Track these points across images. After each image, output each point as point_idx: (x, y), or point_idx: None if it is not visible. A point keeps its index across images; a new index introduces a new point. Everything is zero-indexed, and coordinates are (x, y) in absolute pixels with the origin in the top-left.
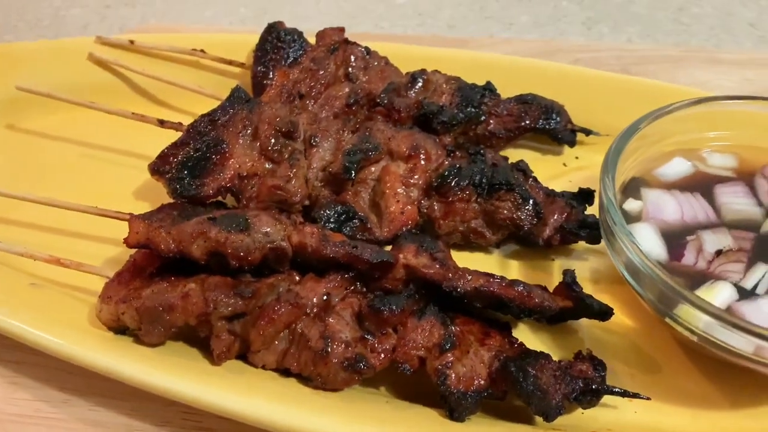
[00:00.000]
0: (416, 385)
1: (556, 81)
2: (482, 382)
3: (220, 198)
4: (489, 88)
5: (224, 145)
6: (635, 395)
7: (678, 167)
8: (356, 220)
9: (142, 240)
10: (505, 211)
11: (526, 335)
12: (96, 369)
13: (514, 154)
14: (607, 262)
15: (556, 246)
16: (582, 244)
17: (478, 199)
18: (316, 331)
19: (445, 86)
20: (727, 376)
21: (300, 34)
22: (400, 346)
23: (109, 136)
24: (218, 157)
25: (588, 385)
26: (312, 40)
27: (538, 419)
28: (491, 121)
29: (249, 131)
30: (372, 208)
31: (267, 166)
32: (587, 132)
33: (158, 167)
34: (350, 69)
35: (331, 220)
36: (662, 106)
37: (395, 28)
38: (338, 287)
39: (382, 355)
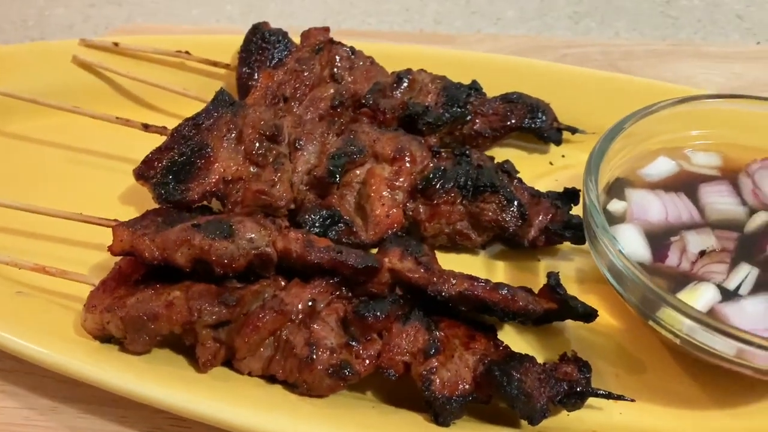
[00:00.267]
0: (403, 389)
1: (542, 79)
2: (467, 386)
3: (205, 202)
4: (475, 87)
5: (209, 150)
6: (619, 397)
7: (662, 167)
8: (341, 224)
9: (126, 248)
10: (490, 213)
11: (512, 337)
12: (82, 379)
13: (500, 153)
14: (593, 262)
15: (542, 246)
16: (568, 243)
17: (463, 201)
18: (301, 337)
19: (430, 85)
20: (711, 376)
21: (285, 34)
22: (384, 351)
23: (95, 139)
24: (203, 161)
25: (573, 387)
26: (297, 38)
27: (524, 422)
28: (477, 121)
29: (233, 135)
30: (357, 211)
31: (252, 170)
32: (573, 130)
33: (143, 172)
34: (335, 69)
35: (317, 224)
36: (647, 105)
37: (382, 24)
38: (323, 292)
39: (367, 362)
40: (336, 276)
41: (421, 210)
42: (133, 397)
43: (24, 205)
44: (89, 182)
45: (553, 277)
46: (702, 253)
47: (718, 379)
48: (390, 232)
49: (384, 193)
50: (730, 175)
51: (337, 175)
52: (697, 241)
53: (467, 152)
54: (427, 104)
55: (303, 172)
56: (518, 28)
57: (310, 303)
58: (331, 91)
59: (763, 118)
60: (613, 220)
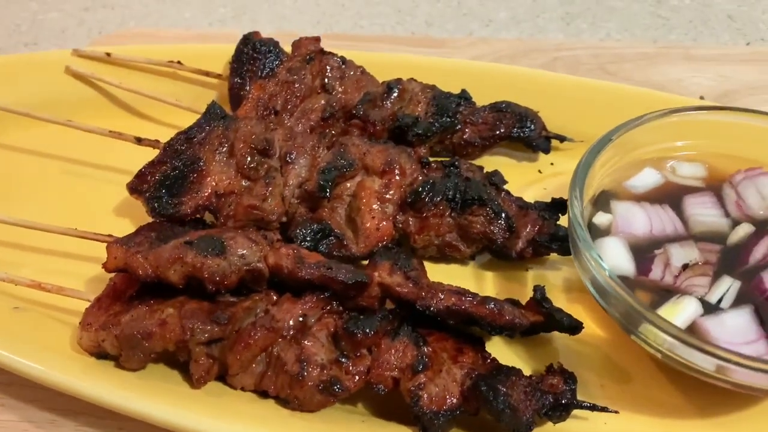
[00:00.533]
0: (393, 401)
1: (532, 86)
2: (454, 400)
3: (198, 215)
4: (464, 96)
5: (201, 163)
6: (604, 409)
7: (648, 178)
8: (332, 238)
9: (120, 265)
10: (479, 226)
11: (500, 347)
12: (78, 396)
13: (489, 162)
14: None
15: (529, 258)
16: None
17: (452, 214)
18: (292, 354)
19: (420, 95)
20: (695, 386)
21: (276, 44)
22: (374, 367)
23: (89, 149)
24: (195, 175)
25: (558, 400)
26: (289, 43)
27: None
28: (467, 130)
29: (225, 149)
30: (348, 224)
31: (243, 183)
32: (561, 138)
33: (136, 186)
34: (326, 79)
35: (308, 238)
36: (635, 112)
37: (374, 26)
38: (314, 308)
39: (357, 378)
40: (326, 291)
41: (411, 222)
42: (128, 414)
43: (20, 221)
44: (83, 193)
45: (539, 290)
46: (685, 267)
47: (701, 389)
48: (380, 244)
49: (374, 206)
50: (715, 186)
51: (328, 190)
52: (681, 255)
53: (456, 163)
54: (417, 114)
55: (294, 186)
56: (510, 30)
57: (300, 319)
58: (322, 102)
59: (747, 128)
60: (599, 233)
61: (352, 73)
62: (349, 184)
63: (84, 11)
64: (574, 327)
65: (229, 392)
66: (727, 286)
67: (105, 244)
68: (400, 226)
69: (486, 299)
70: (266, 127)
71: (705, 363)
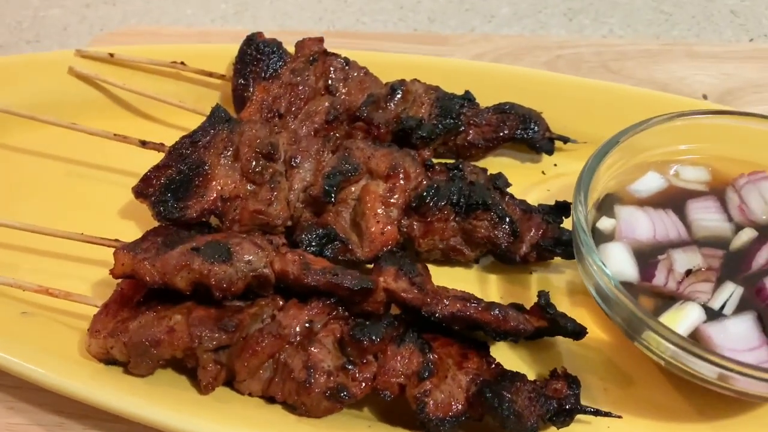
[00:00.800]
0: (399, 405)
1: (535, 87)
2: (460, 407)
3: (204, 219)
4: (468, 97)
5: (206, 167)
6: (607, 414)
7: (652, 182)
8: (337, 242)
9: (127, 271)
10: (483, 230)
11: (504, 351)
12: (87, 402)
13: (492, 163)
14: None
15: (533, 262)
16: None
17: (456, 218)
18: (299, 361)
19: (424, 96)
20: (698, 390)
21: (279, 44)
22: (380, 374)
23: (93, 151)
24: (200, 179)
25: (562, 405)
26: (292, 42)
27: None
28: (470, 132)
29: (230, 152)
30: (353, 228)
31: (249, 187)
32: (565, 140)
33: (142, 190)
34: (330, 81)
35: (313, 243)
36: (638, 113)
37: (376, 23)
38: (320, 313)
39: (363, 384)
40: (332, 296)
41: (415, 227)
42: (137, 420)
43: (27, 226)
44: (89, 196)
45: (543, 296)
46: (688, 272)
47: (705, 393)
48: (385, 248)
49: (379, 210)
50: (719, 190)
51: (333, 195)
52: (684, 260)
53: (460, 166)
54: (420, 116)
55: (299, 190)
56: (512, 26)
57: (307, 325)
58: (326, 104)
59: (751, 132)
60: (602, 237)
61: (355, 74)
62: (353, 188)
63: (85, 8)
64: (577, 332)
65: (237, 398)
66: (730, 292)
67: (112, 248)
68: (405, 230)
69: (491, 305)
70: (271, 131)
71: (707, 371)
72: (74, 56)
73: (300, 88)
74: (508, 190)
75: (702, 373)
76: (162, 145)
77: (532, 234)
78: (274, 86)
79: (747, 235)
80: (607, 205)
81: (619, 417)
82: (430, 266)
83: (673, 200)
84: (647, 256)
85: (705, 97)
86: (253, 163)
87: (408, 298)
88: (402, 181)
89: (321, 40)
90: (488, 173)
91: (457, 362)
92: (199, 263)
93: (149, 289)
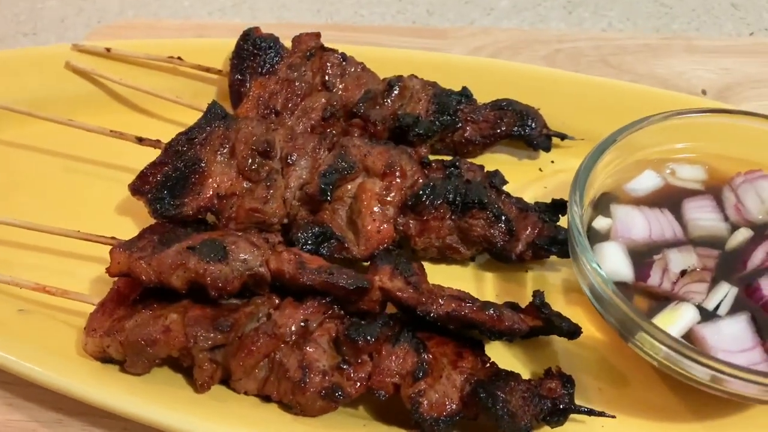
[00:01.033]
0: (394, 404)
1: (532, 83)
2: (454, 406)
3: (200, 216)
4: (465, 93)
5: (202, 164)
6: (601, 414)
7: (648, 181)
8: (333, 241)
9: (123, 270)
10: (479, 229)
11: (499, 349)
12: (84, 400)
13: (490, 160)
14: None
15: (529, 261)
16: None
17: (452, 217)
18: (294, 360)
19: (421, 93)
20: (692, 390)
21: (276, 39)
22: (375, 374)
23: (90, 147)
24: (197, 176)
25: (556, 405)
26: (289, 36)
27: None
28: (467, 128)
29: (226, 149)
30: (349, 226)
31: (245, 185)
32: (562, 136)
33: (138, 187)
34: (327, 77)
35: (309, 241)
36: (635, 110)
37: (374, 15)
38: (316, 312)
39: (358, 384)
40: (328, 295)
41: (411, 225)
42: (133, 419)
43: (23, 223)
44: (85, 192)
45: (538, 296)
46: (683, 273)
47: (699, 393)
48: (381, 247)
49: (375, 208)
50: (715, 189)
51: (329, 193)
52: (679, 260)
53: (457, 163)
54: (417, 112)
55: (295, 188)
56: (511, 19)
57: (302, 324)
58: (323, 100)
59: (748, 130)
60: (598, 237)
61: (352, 69)
62: (350, 186)
63: (83, 0)
64: (572, 332)
65: (233, 396)
66: (725, 293)
67: (108, 246)
68: (401, 228)
69: (485, 305)
70: (267, 128)
71: (700, 373)
72: (71, 51)
73: (297, 84)
74: (505, 187)
75: (695, 375)
76: (158, 141)
77: (528, 232)
78: (271, 82)
79: (743, 235)
80: (603, 204)
81: (613, 417)
82: (426, 264)
83: (670, 199)
84: (643, 256)
85: (704, 92)
86: (250, 160)
87: (403, 297)
88: (398, 179)
89: (318, 35)
90: (485, 170)
91: (452, 361)
92: (195, 262)
93: (146, 287)
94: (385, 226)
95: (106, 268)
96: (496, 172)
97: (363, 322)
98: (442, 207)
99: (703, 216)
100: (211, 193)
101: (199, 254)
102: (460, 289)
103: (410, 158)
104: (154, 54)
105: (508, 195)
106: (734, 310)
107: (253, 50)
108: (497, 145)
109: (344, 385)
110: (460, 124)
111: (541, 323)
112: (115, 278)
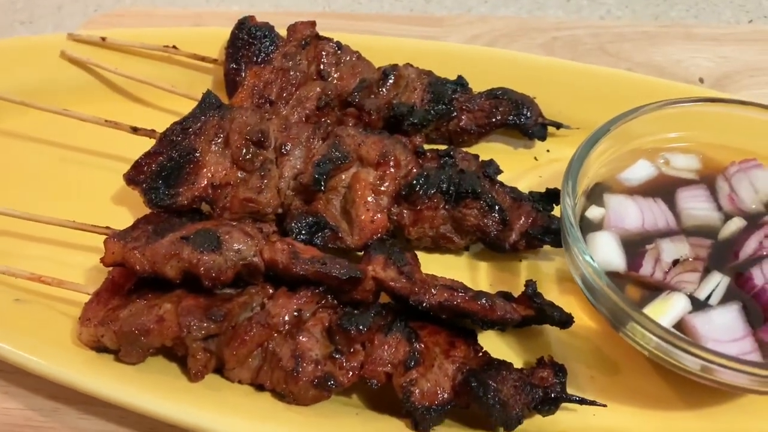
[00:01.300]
0: (387, 393)
1: (528, 72)
2: (446, 395)
3: (195, 206)
4: (460, 82)
5: (197, 154)
6: (592, 402)
7: (642, 171)
8: (327, 230)
9: (118, 260)
10: (472, 219)
11: (492, 338)
12: (79, 389)
13: (485, 149)
14: None
15: (522, 250)
16: None
17: (446, 207)
18: (287, 349)
19: (416, 81)
20: (684, 379)
21: (271, 28)
22: (367, 363)
23: (85, 136)
24: (191, 166)
25: (548, 394)
26: (285, 25)
27: None
28: (463, 117)
29: (221, 139)
30: (343, 215)
31: (239, 175)
32: (558, 125)
33: (133, 177)
34: (322, 65)
35: (303, 231)
36: (631, 99)
37: (372, 2)
38: (309, 302)
39: (350, 373)
40: (321, 285)
41: (405, 215)
42: (127, 408)
43: (19, 213)
44: (80, 181)
45: (530, 286)
46: (675, 262)
47: (690, 381)
48: (375, 237)
49: (369, 198)
50: (709, 178)
51: (322, 183)
52: (671, 250)
53: (451, 153)
54: (412, 102)
55: (289, 178)
56: (509, 7)
57: (295, 313)
58: (318, 89)
59: (743, 119)
60: (591, 227)
61: (347, 58)
62: (344, 176)
63: None
64: (564, 321)
65: (227, 385)
66: (716, 283)
67: (104, 235)
68: (395, 218)
69: (478, 294)
70: (261, 118)
71: (690, 363)
72: (66, 40)
73: (291, 73)
74: (500, 176)
75: (685, 365)
76: (153, 131)
77: (521, 222)
78: (266, 71)
79: (735, 224)
80: (596, 194)
81: (604, 406)
82: (420, 254)
83: (663, 189)
84: (635, 246)
85: (701, 80)
86: (244, 150)
87: (396, 287)
88: (392, 169)
89: (313, 24)
90: (479, 160)
91: (445, 351)
92: (189, 252)
93: (140, 277)
94: (379, 215)
95: (101, 258)
96: (491, 162)
97: (356, 311)
98: (436, 197)
99: (696, 205)
100: (205, 182)
101: (193, 244)
102: (453, 278)
103: (404, 148)
104: (150, 43)
105: (502, 184)
106: (726, 299)
107: (248, 39)
108: (492, 134)
109: (337, 374)
110: (455, 114)
111: (533, 313)
112: (110, 268)
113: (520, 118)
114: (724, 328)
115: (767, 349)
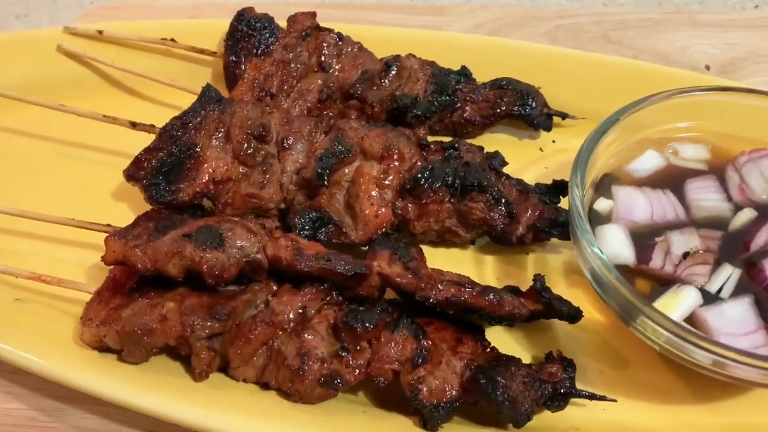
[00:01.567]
0: (394, 391)
1: (532, 61)
2: (454, 393)
3: (196, 202)
4: (464, 73)
5: (197, 149)
6: (602, 398)
7: (650, 162)
8: (331, 225)
9: (119, 258)
10: (478, 212)
11: (500, 333)
12: (81, 390)
13: (489, 140)
14: None
15: (529, 243)
16: None
17: (451, 200)
18: (292, 347)
19: (419, 72)
20: (694, 373)
21: (271, 20)
22: (374, 360)
23: (84, 132)
24: (192, 161)
25: (557, 389)
26: (285, 16)
27: None
28: (467, 108)
29: (221, 134)
30: (347, 210)
31: (241, 170)
32: (563, 116)
33: (133, 173)
34: (323, 57)
35: (306, 227)
36: (637, 88)
37: None
38: (314, 299)
39: (357, 371)
40: (326, 282)
41: (410, 209)
42: (131, 408)
43: (18, 211)
44: (80, 177)
45: (539, 280)
46: (686, 255)
47: (700, 375)
48: (379, 231)
49: (373, 192)
50: (718, 169)
51: (326, 177)
52: (681, 242)
53: (456, 145)
54: (415, 93)
55: (292, 172)
56: None
57: (300, 311)
58: (319, 81)
59: (752, 108)
60: (599, 219)
61: (349, 49)
62: (347, 170)
63: None
64: (573, 316)
65: (232, 384)
66: (728, 275)
67: (104, 233)
68: (399, 212)
69: (485, 289)
70: (262, 111)
71: (702, 358)
72: (62, 33)
73: (292, 65)
74: (506, 168)
75: (696, 360)
76: (153, 126)
77: (528, 215)
78: (266, 63)
79: (746, 215)
80: (605, 186)
81: (614, 401)
82: (426, 248)
83: (672, 180)
84: (644, 238)
85: (707, 68)
86: (245, 145)
87: (402, 283)
88: (396, 162)
89: (314, 14)
90: (484, 152)
91: (452, 347)
92: (191, 250)
93: (142, 275)
94: (384, 210)
95: (102, 257)
96: (496, 154)
97: (361, 308)
98: (441, 190)
99: (706, 197)
100: (206, 178)
101: (195, 242)
102: (459, 273)
103: (408, 140)
104: (147, 36)
105: (508, 177)
106: (737, 292)
107: (248, 31)
108: (497, 125)
109: (343, 373)
110: (459, 105)
111: (541, 307)
112: (111, 266)
113: (525, 109)
114: (736, 321)
115: None
